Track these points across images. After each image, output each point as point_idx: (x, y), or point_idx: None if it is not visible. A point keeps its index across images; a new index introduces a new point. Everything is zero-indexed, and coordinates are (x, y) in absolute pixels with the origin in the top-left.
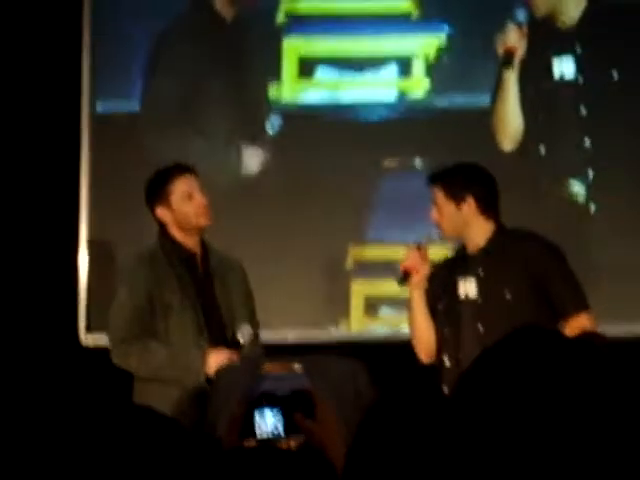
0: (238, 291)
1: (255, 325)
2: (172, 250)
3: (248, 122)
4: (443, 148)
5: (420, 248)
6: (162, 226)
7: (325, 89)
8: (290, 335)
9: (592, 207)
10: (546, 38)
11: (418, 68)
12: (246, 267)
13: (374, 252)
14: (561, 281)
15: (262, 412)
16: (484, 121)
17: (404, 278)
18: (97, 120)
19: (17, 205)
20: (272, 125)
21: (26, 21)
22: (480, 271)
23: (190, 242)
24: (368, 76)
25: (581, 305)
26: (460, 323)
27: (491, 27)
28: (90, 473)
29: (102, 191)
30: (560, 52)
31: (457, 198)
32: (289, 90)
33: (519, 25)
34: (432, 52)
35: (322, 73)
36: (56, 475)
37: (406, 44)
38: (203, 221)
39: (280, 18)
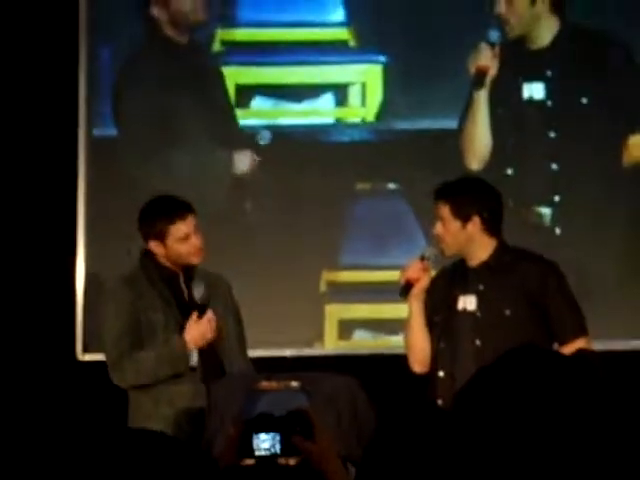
0: (224, 306)
1: (242, 339)
2: (154, 270)
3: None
4: (412, 169)
5: (423, 259)
6: (148, 250)
7: (263, 118)
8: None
9: (557, 230)
10: (517, 59)
11: (354, 96)
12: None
13: (347, 276)
14: (561, 305)
15: (259, 433)
16: (448, 142)
17: (405, 289)
18: (94, 143)
19: (15, 226)
20: (263, 136)
21: (23, 44)
22: (480, 286)
23: (175, 267)
24: (305, 104)
25: (580, 331)
26: (457, 336)
27: (450, 48)
28: None
29: (99, 213)
30: (530, 74)
31: (464, 217)
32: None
33: (492, 45)
34: (369, 80)
35: (259, 102)
36: None
37: (343, 72)
38: (194, 260)
39: (216, 47)
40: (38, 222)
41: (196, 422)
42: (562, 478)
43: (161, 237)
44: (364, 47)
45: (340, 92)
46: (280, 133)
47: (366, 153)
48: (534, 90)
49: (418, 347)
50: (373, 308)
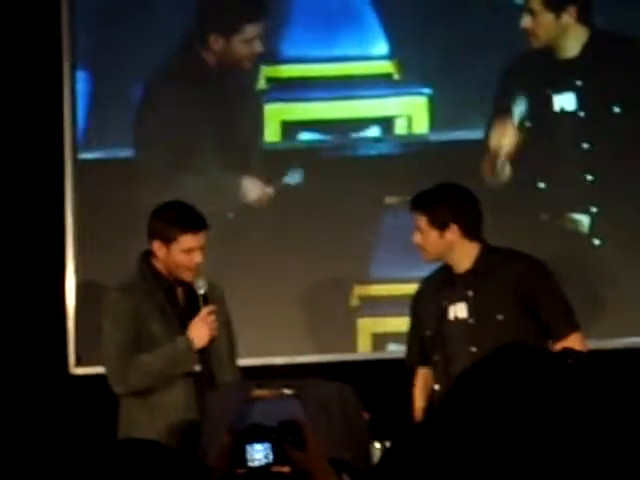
0: (223, 310)
1: (233, 347)
2: (152, 279)
3: (242, 163)
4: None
5: None
6: (147, 253)
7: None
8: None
9: (595, 241)
10: (546, 71)
11: (400, 129)
12: (246, 304)
13: (379, 289)
14: (551, 302)
15: (252, 444)
16: (477, 154)
17: None
18: (81, 165)
19: (3, 239)
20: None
21: (8, 62)
22: (469, 292)
23: (170, 276)
24: (351, 138)
25: (572, 326)
26: (451, 345)
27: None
28: None
29: (88, 227)
30: (560, 85)
31: (441, 225)
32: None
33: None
34: (415, 112)
35: (304, 137)
36: None
37: (388, 105)
38: (187, 276)
39: (261, 84)
40: (26, 235)
41: (188, 433)
42: (551, 475)
43: (168, 241)
44: (408, 79)
45: (386, 125)
46: (309, 149)
47: (394, 166)
48: (565, 101)
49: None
50: (405, 321)
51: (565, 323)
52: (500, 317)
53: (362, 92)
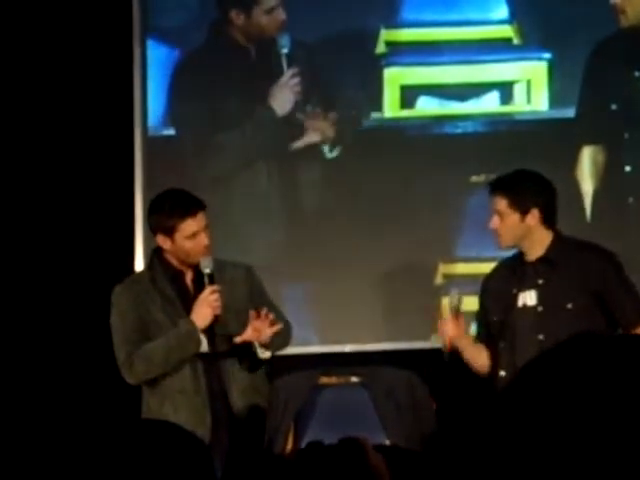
0: (241, 289)
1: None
2: (159, 269)
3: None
4: (524, 162)
5: (453, 309)
6: (159, 248)
7: (427, 119)
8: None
9: None
10: (632, 52)
11: (520, 94)
12: (332, 283)
13: (463, 268)
14: (622, 292)
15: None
16: (567, 133)
17: (449, 352)
18: (150, 142)
19: (73, 225)
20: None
21: (80, 47)
22: (540, 280)
23: (181, 266)
24: (470, 104)
25: None
26: (518, 333)
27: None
28: None
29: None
30: None
31: (523, 209)
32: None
33: None
34: (535, 77)
35: (424, 102)
36: None
37: (508, 70)
38: (200, 260)
39: (380, 48)
40: (96, 222)
41: (196, 419)
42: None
43: (169, 232)
44: (528, 44)
45: (505, 90)
46: (390, 126)
47: (480, 145)
48: None
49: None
50: None
51: (635, 313)
52: (569, 306)
53: (482, 57)
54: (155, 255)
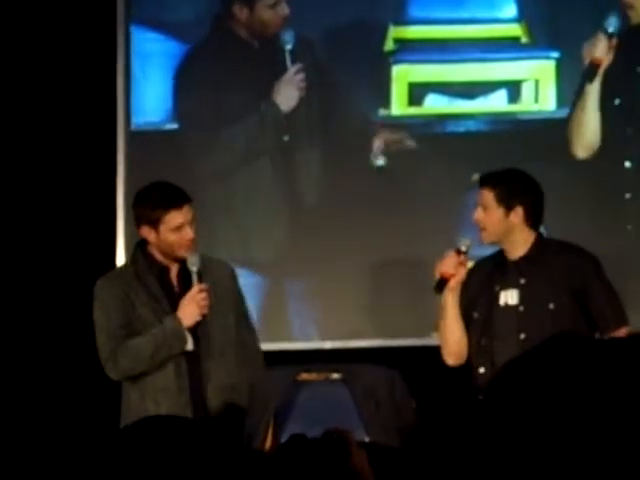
0: (223, 291)
1: (249, 322)
2: (143, 264)
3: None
4: (523, 160)
5: (459, 252)
6: (142, 241)
7: (435, 117)
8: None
9: None
10: (636, 48)
11: (527, 93)
12: (341, 277)
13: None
14: (602, 295)
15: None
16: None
17: (440, 284)
18: (132, 136)
19: (56, 212)
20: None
21: (62, 39)
22: (522, 279)
23: (166, 260)
24: (478, 102)
25: (621, 320)
26: (499, 332)
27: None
28: None
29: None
30: None
31: (508, 205)
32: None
33: (610, 36)
34: (542, 76)
35: (432, 100)
36: None
37: (516, 69)
38: (183, 253)
39: (389, 45)
40: (77, 216)
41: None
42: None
43: (154, 224)
44: (537, 43)
45: (513, 89)
46: (397, 125)
47: (480, 144)
48: None
49: (453, 340)
50: None
51: (614, 317)
52: (551, 306)
53: (490, 55)
54: (139, 249)
